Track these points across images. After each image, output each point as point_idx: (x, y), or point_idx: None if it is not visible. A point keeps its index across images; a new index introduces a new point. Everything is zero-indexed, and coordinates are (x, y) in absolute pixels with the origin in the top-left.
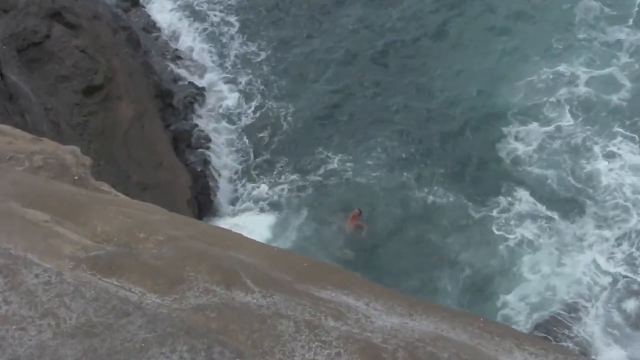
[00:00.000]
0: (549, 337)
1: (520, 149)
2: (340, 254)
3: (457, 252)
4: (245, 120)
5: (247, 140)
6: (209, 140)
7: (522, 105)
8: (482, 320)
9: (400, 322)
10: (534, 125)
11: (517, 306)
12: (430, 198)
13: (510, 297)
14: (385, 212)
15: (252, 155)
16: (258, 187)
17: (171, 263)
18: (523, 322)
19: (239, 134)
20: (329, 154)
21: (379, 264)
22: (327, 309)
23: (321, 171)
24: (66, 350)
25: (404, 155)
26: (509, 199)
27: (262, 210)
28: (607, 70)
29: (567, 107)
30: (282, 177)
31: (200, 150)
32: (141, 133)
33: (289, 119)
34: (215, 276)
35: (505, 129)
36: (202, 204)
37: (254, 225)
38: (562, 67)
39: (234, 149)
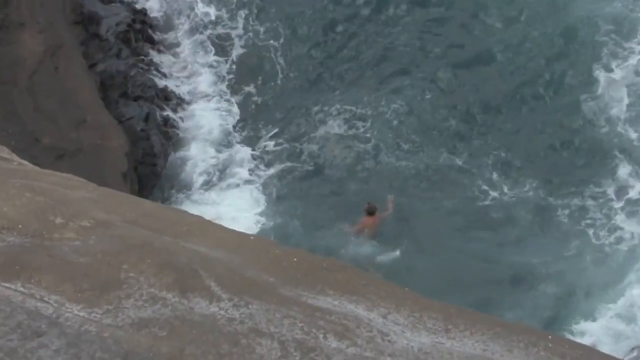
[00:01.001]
0: None
1: (616, 97)
2: (352, 261)
3: (531, 262)
4: (211, 56)
5: (211, 86)
6: (154, 86)
7: (613, 22)
8: (551, 339)
9: (432, 341)
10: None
11: (611, 325)
12: (487, 183)
13: (604, 314)
14: (417, 202)
15: (220, 108)
16: (231, 155)
17: (101, 260)
18: (617, 344)
19: (203, 77)
20: (337, 111)
21: (412, 278)
22: (326, 323)
23: (324, 136)
24: None
25: (442, 117)
26: (610, 179)
27: (234, 188)
28: None
29: None
30: (266, 142)
31: (140, 101)
32: (54, 77)
33: (281, 60)
34: (165, 277)
35: (588, 68)
36: (145, 177)
37: (222, 209)
38: None
39: (192, 100)
